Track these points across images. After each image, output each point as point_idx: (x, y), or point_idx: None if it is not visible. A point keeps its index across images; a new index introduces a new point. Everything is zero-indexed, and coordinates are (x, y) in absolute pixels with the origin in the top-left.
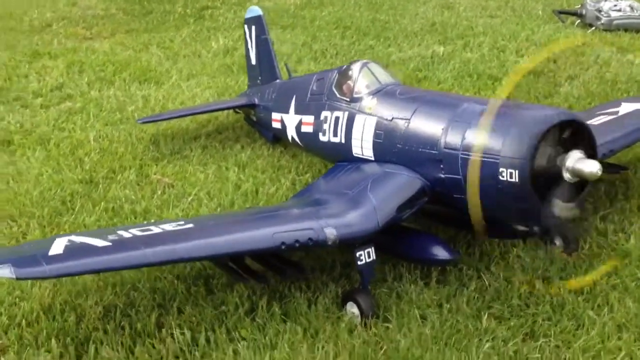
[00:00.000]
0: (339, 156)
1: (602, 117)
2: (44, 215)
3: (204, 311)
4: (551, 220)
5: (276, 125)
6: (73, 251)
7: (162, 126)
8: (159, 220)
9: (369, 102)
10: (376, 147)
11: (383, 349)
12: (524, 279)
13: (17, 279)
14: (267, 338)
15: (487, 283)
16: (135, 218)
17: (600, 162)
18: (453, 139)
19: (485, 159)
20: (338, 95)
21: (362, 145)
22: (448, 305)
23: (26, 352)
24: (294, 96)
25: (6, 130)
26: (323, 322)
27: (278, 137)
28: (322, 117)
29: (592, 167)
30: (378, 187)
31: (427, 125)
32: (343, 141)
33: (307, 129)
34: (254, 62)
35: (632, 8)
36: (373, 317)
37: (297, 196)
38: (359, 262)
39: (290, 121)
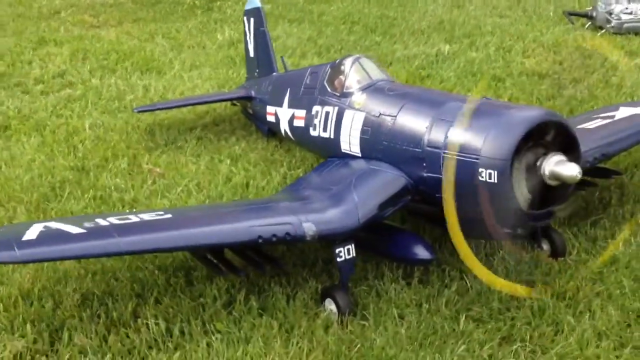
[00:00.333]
0: (328, 151)
1: (598, 120)
2: (32, 201)
3: (181, 302)
4: (528, 222)
5: (270, 118)
6: (46, 237)
7: (160, 116)
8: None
9: (358, 98)
10: (363, 143)
11: (357, 347)
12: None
13: None
14: (241, 332)
15: (469, 285)
16: (123, 207)
17: (593, 166)
18: (436, 137)
19: (465, 159)
20: (329, 90)
21: (350, 141)
22: (427, 306)
23: (0, 336)
24: (288, 90)
25: (4, 115)
26: (299, 318)
27: (273, 131)
28: (313, 112)
29: (571, 170)
30: (361, 184)
31: (412, 123)
32: (332, 136)
33: (299, 123)
34: (252, 54)
35: None
36: (350, 315)
37: (286, 189)
38: (338, 259)
39: (283, 115)
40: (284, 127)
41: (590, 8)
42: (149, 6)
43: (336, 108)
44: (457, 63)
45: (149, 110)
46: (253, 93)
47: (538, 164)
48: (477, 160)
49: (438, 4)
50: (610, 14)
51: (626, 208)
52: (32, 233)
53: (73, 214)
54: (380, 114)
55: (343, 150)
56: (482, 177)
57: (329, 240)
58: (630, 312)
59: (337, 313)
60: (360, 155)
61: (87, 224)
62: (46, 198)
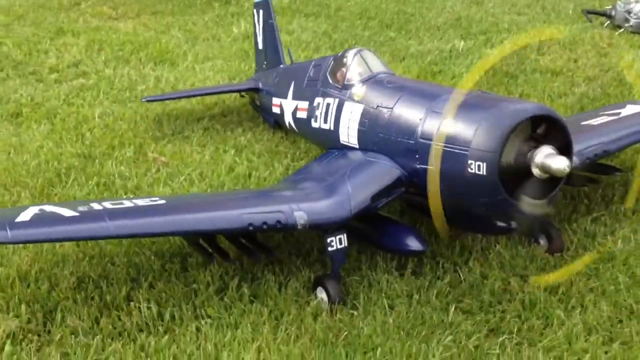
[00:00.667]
0: (329, 143)
1: (603, 117)
2: (36, 186)
3: (174, 288)
4: (518, 215)
5: (276, 110)
6: (39, 219)
7: (169, 106)
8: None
9: (358, 90)
10: (360, 135)
11: (344, 335)
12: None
13: None
14: (231, 318)
15: (462, 277)
16: (126, 194)
17: (594, 163)
18: (428, 129)
19: (456, 150)
20: (331, 82)
21: (349, 133)
22: (417, 297)
23: None
24: (293, 82)
25: (17, 102)
26: (289, 306)
27: (279, 123)
28: (315, 103)
29: (560, 163)
30: (355, 175)
31: (407, 115)
32: (332, 128)
33: (302, 114)
34: (260, 46)
35: None
36: (340, 304)
37: (286, 179)
38: (329, 248)
39: (287, 107)
40: (288, 119)
41: (610, 7)
42: None
43: (337, 100)
44: (471, 59)
45: (157, 100)
46: (260, 85)
47: (528, 156)
48: (466, 152)
49: (457, 0)
50: (629, 12)
51: (628, 206)
52: (26, 215)
53: (76, 199)
54: (377, 106)
55: (342, 142)
56: (472, 169)
57: (320, 229)
58: (624, 309)
59: (327, 302)
60: (357, 146)
61: (81, 208)
62: (51, 183)
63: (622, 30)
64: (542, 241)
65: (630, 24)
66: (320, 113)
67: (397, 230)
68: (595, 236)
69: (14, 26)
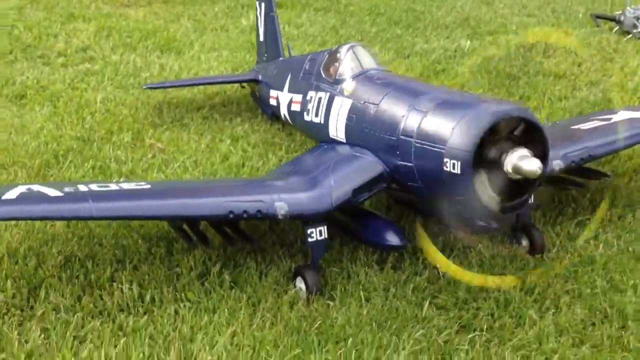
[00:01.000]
0: (319, 136)
1: (594, 122)
2: (33, 167)
3: (158, 271)
4: (481, 211)
5: (272, 102)
6: (24, 198)
7: (170, 94)
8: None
9: (348, 85)
10: (347, 129)
11: (318, 324)
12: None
13: None
14: (210, 302)
15: (440, 274)
16: (120, 177)
17: (579, 167)
18: (409, 126)
19: (434, 148)
20: (324, 77)
21: (337, 127)
22: (394, 290)
23: None
24: (290, 74)
25: (23, 84)
26: (267, 294)
27: (277, 115)
28: (308, 97)
29: (531, 165)
30: (339, 169)
31: (391, 111)
32: (322, 122)
33: (296, 107)
34: (261, 38)
35: None
36: (317, 294)
37: (276, 170)
38: (309, 239)
39: (283, 99)
40: (283, 111)
41: (620, 12)
42: None
43: (328, 94)
44: (475, 59)
45: (158, 88)
46: (260, 76)
47: (502, 157)
48: (443, 150)
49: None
50: (638, 19)
51: (615, 211)
52: (13, 193)
53: (70, 181)
54: (365, 101)
55: (331, 136)
56: (447, 167)
57: (302, 220)
58: (598, 312)
59: (305, 291)
60: (345, 141)
61: (67, 189)
62: (48, 165)
63: (630, 36)
64: (524, 242)
65: (639, 30)
66: (312, 106)
67: (378, 224)
68: (577, 239)
69: (27, 10)
